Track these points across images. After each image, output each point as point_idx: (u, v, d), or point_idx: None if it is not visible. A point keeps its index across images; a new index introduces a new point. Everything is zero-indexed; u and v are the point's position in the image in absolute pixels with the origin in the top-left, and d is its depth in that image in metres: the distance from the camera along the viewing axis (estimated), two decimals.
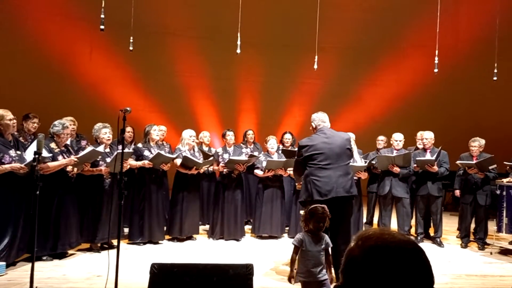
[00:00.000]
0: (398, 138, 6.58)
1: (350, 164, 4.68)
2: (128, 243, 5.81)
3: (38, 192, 3.50)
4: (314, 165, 4.30)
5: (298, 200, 4.61)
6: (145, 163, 5.78)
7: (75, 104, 9.05)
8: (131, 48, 6.74)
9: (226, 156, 6.51)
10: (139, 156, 5.88)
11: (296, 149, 6.58)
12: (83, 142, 6.07)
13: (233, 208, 6.33)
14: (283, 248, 6.02)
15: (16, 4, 9.35)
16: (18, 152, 4.64)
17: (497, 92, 10.52)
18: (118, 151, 4.97)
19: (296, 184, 6.35)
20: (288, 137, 7.10)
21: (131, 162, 5.73)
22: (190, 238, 6.27)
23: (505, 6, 9.49)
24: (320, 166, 4.27)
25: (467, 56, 11.15)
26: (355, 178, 5.42)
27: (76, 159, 4.96)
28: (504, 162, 6.39)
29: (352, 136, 6.32)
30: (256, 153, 6.82)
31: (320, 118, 4.52)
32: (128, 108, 3.78)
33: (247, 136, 7.40)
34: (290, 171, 6.48)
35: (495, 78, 7.54)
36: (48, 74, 9.67)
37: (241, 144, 7.32)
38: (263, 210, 6.44)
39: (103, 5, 5.59)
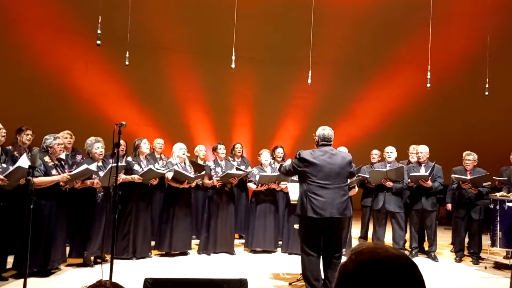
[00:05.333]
0: (389, 150, 6.61)
1: None
2: (116, 258, 5.73)
3: (31, 206, 3.48)
4: (312, 182, 4.28)
5: (296, 213, 4.61)
6: (135, 177, 5.75)
7: (71, 118, 9.02)
8: (127, 63, 6.77)
9: (218, 169, 6.47)
10: (128, 170, 5.85)
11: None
12: (79, 157, 6.05)
13: (225, 221, 6.30)
14: (276, 262, 6.00)
15: (11, 18, 9.38)
16: (4, 165, 4.58)
17: (488, 107, 10.63)
18: (111, 165, 4.96)
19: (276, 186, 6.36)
20: (279, 151, 7.12)
21: (122, 176, 5.70)
22: (184, 253, 6.22)
23: (495, 22, 9.66)
24: (319, 184, 4.26)
25: (459, 71, 11.29)
26: None
27: (68, 176, 4.93)
28: (494, 177, 6.43)
29: (344, 150, 6.35)
30: (243, 167, 6.85)
31: (325, 136, 4.44)
32: (124, 122, 3.80)
33: (235, 149, 7.42)
34: (283, 185, 6.49)
35: (486, 93, 7.65)
36: (43, 88, 9.66)
37: (229, 157, 7.33)
38: (256, 224, 6.43)
39: (99, 20, 5.63)
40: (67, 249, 5.38)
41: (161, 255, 6.12)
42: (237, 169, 6.48)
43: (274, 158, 7.10)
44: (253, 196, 6.59)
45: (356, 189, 6.37)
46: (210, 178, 6.39)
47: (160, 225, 6.15)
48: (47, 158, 4.91)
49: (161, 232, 6.11)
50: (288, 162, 4.71)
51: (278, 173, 6.35)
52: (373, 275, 0.99)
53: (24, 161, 4.29)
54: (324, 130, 4.47)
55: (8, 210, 4.62)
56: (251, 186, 6.53)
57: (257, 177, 6.40)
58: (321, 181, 4.27)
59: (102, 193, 5.41)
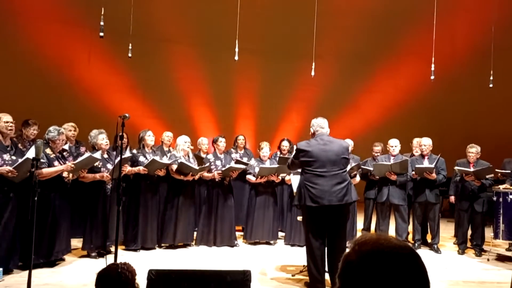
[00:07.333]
0: (394, 144, 6.60)
1: None
2: (123, 250, 5.79)
3: (36, 198, 3.51)
4: (309, 172, 4.29)
5: (293, 204, 4.63)
6: (140, 169, 5.77)
7: (73, 110, 9.05)
8: (129, 55, 6.76)
9: (218, 163, 6.44)
10: (134, 162, 5.88)
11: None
12: (82, 149, 6.07)
13: (225, 214, 6.32)
14: (277, 253, 6.04)
15: (15, 11, 9.37)
16: (13, 157, 4.61)
17: (493, 100, 10.58)
18: (122, 156, 4.99)
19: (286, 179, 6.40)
20: (285, 144, 7.10)
21: (127, 168, 5.72)
22: (187, 245, 6.25)
23: (500, 15, 9.58)
24: (316, 173, 4.25)
25: (463, 64, 11.22)
26: None
27: (72, 165, 4.95)
28: (496, 170, 6.41)
29: (350, 143, 6.33)
30: (245, 159, 6.84)
31: (319, 124, 4.46)
32: (127, 115, 3.81)
33: (237, 141, 7.39)
34: (282, 176, 6.50)
35: (491, 86, 7.60)
36: (46, 80, 9.67)
37: (231, 149, 7.30)
38: (255, 216, 6.44)
39: (102, 12, 5.62)
40: (80, 241, 5.43)
41: (166, 247, 6.16)
42: (237, 162, 6.49)
43: (280, 151, 7.10)
44: (252, 189, 6.59)
45: (358, 179, 6.33)
46: (209, 171, 6.36)
47: (164, 218, 6.16)
48: (48, 150, 4.92)
49: (165, 225, 6.13)
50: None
51: (278, 165, 6.38)
52: (376, 265, 1.00)
53: (32, 153, 4.32)
54: (318, 119, 4.51)
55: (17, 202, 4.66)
56: (250, 178, 6.53)
57: (256, 169, 6.41)
58: (317, 169, 4.25)
59: (111, 184, 5.44)
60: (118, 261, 3.65)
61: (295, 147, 4.61)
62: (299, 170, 5.04)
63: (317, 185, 4.22)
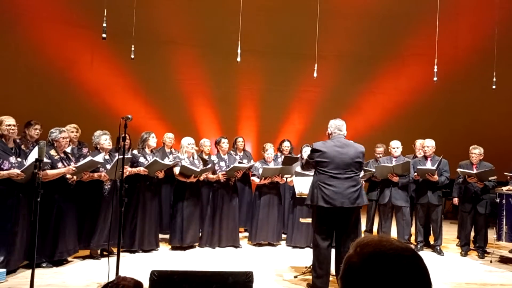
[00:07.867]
0: (395, 145, 6.59)
1: None
2: (122, 251, 5.77)
3: (39, 199, 3.52)
4: (324, 172, 4.28)
5: (305, 203, 4.63)
6: (141, 169, 5.77)
7: (76, 112, 9.06)
8: (132, 56, 6.78)
9: (222, 164, 6.45)
10: (134, 163, 5.87)
11: (295, 155, 6.68)
12: (85, 150, 6.09)
13: (229, 215, 6.33)
14: (281, 255, 6.03)
15: (18, 12, 9.41)
16: (19, 159, 4.65)
17: (496, 101, 10.55)
18: (118, 157, 4.99)
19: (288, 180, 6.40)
20: (286, 145, 7.12)
21: (128, 169, 5.71)
22: (191, 246, 6.26)
23: (503, 16, 9.56)
24: (330, 175, 4.25)
25: (466, 65, 11.19)
26: None
27: (74, 169, 4.97)
28: (505, 173, 6.39)
29: None
30: (245, 161, 6.84)
31: (337, 126, 4.44)
32: (130, 116, 3.82)
33: (237, 143, 7.37)
34: (286, 177, 6.50)
35: (494, 87, 7.59)
36: (49, 82, 9.69)
37: (231, 151, 7.31)
38: (259, 217, 6.44)
39: (105, 14, 5.64)
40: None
41: (170, 248, 6.16)
42: (239, 163, 6.50)
43: (281, 152, 7.10)
44: (257, 190, 6.60)
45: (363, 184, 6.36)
46: (214, 172, 6.37)
47: (171, 220, 6.19)
48: (52, 152, 4.95)
49: (172, 226, 6.16)
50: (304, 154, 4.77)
51: (281, 166, 6.38)
52: (378, 267, 1.00)
53: (35, 155, 4.34)
54: (336, 120, 4.50)
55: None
56: (255, 179, 6.54)
57: (260, 171, 6.41)
58: (332, 171, 4.25)
59: (109, 185, 5.46)
60: (120, 263, 3.66)
61: (308, 148, 4.61)
62: (303, 172, 5.04)
63: (331, 186, 4.22)
